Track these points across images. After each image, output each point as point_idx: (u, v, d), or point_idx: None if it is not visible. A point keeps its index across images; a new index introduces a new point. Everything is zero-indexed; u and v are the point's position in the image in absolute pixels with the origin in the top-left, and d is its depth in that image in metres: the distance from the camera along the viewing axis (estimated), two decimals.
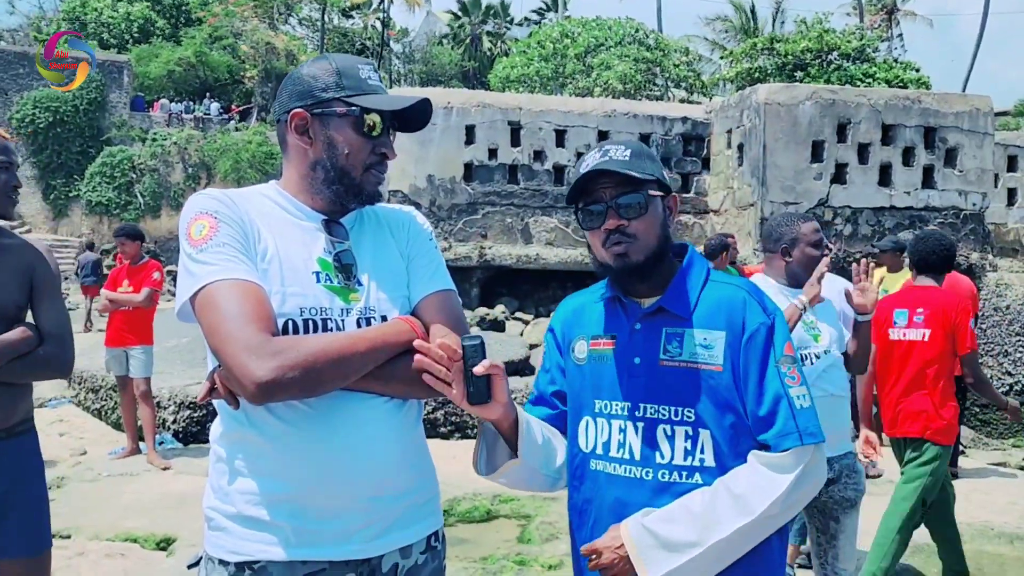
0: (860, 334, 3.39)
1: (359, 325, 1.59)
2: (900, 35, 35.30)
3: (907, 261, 7.63)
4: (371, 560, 1.58)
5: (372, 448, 1.57)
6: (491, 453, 1.77)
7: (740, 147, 10.22)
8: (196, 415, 6.99)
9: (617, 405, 1.73)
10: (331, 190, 1.65)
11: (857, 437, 4.26)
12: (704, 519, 1.62)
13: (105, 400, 8.08)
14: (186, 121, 27.54)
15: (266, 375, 1.41)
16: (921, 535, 4.20)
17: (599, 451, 1.75)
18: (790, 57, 19.00)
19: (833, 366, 3.22)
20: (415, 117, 1.70)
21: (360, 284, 1.64)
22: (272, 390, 1.42)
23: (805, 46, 18.93)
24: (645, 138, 10.63)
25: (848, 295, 3.30)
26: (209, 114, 28.55)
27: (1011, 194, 12.12)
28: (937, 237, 4.31)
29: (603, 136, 10.50)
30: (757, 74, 19.06)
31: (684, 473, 1.67)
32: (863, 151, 9.89)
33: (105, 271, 13.23)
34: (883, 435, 4.48)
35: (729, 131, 10.51)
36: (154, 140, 25.74)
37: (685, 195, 10.88)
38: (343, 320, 1.58)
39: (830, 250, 3.39)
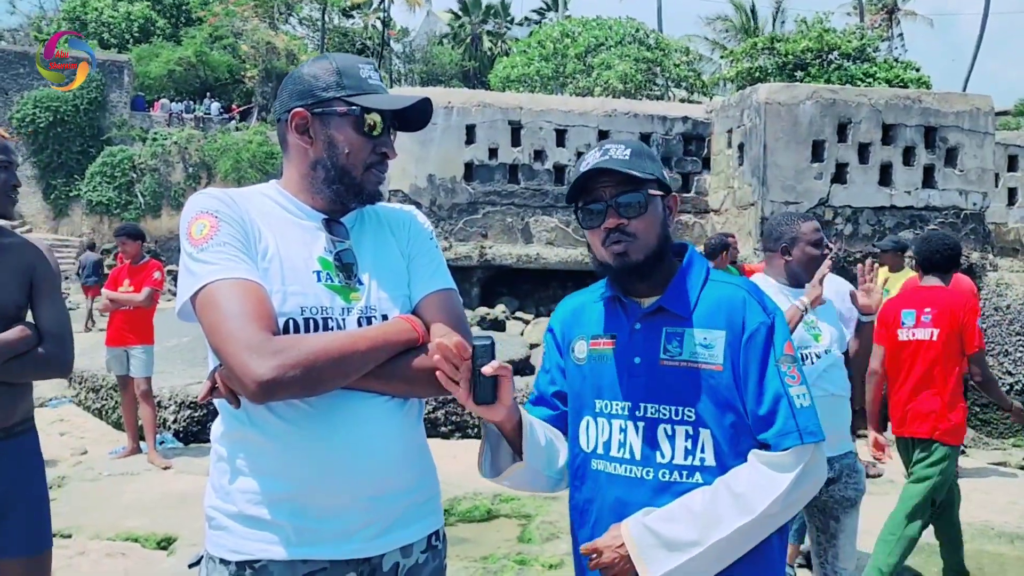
0: (863, 334, 3.40)
1: (360, 324, 1.59)
2: (900, 35, 35.29)
3: (908, 261, 7.68)
4: (372, 559, 1.58)
5: (373, 447, 1.57)
6: (495, 455, 1.77)
7: (740, 147, 10.22)
8: (197, 415, 7.00)
9: (617, 405, 1.73)
10: (331, 189, 1.65)
11: (858, 437, 4.27)
12: (705, 518, 1.62)
13: (106, 400, 8.08)
14: (186, 121, 27.54)
15: (267, 374, 1.41)
16: (923, 534, 4.20)
17: (600, 451, 1.75)
18: (790, 57, 18.99)
19: (833, 366, 3.22)
20: (416, 117, 1.70)
21: (361, 283, 1.64)
22: (273, 389, 1.42)
23: (805, 46, 18.92)
24: (645, 138, 10.63)
25: (853, 296, 3.31)
26: (209, 114, 28.55)
27: (1011, 194, 12.12)
28: (941, 237, 4.33)
29: (603, 136, 10.50)
30: (757, 74, 19.05)
31: (684, 472, 1.68)
32: (863, 151, 9.89)
33: (106, 271, 13.23)
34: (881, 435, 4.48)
35: (729, 131, 10.51)
36: (154, 140, 25.74)
37: (685, 195, 10.88)
38: (344, 319, 1.58)
39: (830, 249, 3.39)
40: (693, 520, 1.62)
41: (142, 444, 6.54)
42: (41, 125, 25.44)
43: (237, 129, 26.95)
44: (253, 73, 29.70)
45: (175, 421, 7.00)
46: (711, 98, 20.61)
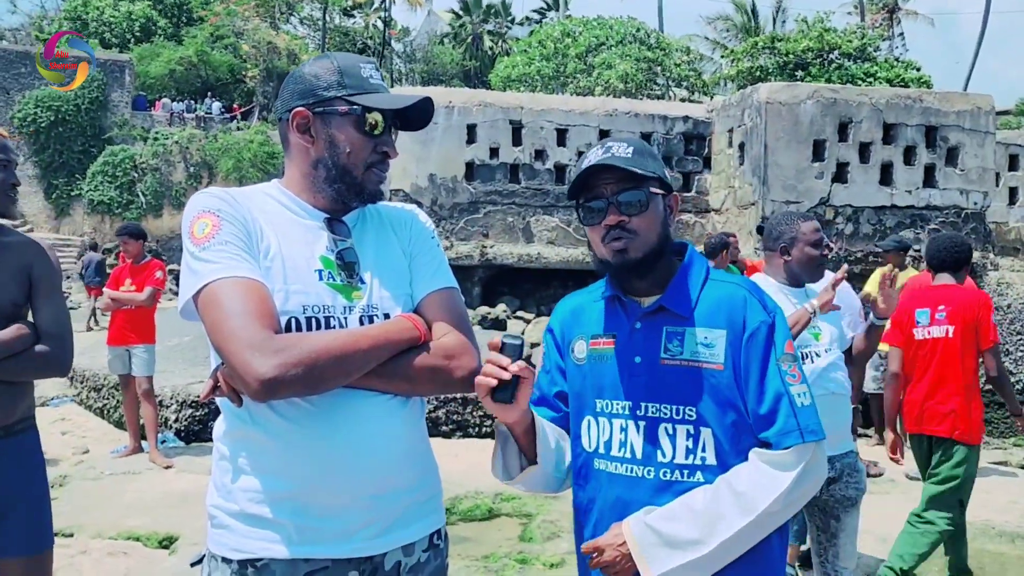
0: (872, 336, 3.41)
1: (362, 323, 1.59)
2: (901, 34, 35.26)
3: (909, 260, 7.71)
4: (374, 558, 1.58)
5: (375, 446, 1.57)
6: (504, 457, 1.78)
7: (741, 146, 10.22)
8: (198, 414, 7.00)
9: (618, 404, 1.74)
10: (333, 188, 1.65)
11: (856, 436, 4.28)
12: (706, 516, 1.62)
13: (107, 399, 8.09)
14: (188, 120, 27.56)
15: (269, 372, 1.41)
16: None
17: (601, 450, 1.76)
18: (791, 56, 18.97)
19: (834, 364, 3.22)
20: (417, 116, 1.70)
21: (363, 282, 1.64)
22: (275, 387, 1.42)
23: (806, 45, 18.89)
24: (646, 137, 10.62)
25: (874, 302, 3.33)
26: (211, 113, 28.57)
27: (1012, 193, 12.11)
28: (948, 236, 4.41)
29: (604, 135, 10.49)
30: (758, 73, 19.02)
31: (686, 471, 1.68)
32: (864, 150, 9.88)
33: (108, 270, 13.25)
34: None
35: (730, 130, 10.51)
36: (156, 139, 25.75)
37: (686, 194, 10.88)
38: (346, 318, 1.58)
39: (830, 249, 3.40)
40: (694, 519, 1.63)
41: (144, 443, 6.55)
42: (42, 125, 25.47)
43: (238, 129, 26.97)
44: (254, 73, 29.71)
45: (177, 420, 7.01)
46: (712, 97, 20.60)
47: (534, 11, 43.56)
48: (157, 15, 31.81)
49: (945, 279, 4.23)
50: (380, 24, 39.30)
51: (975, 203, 10.14)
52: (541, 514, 5.11)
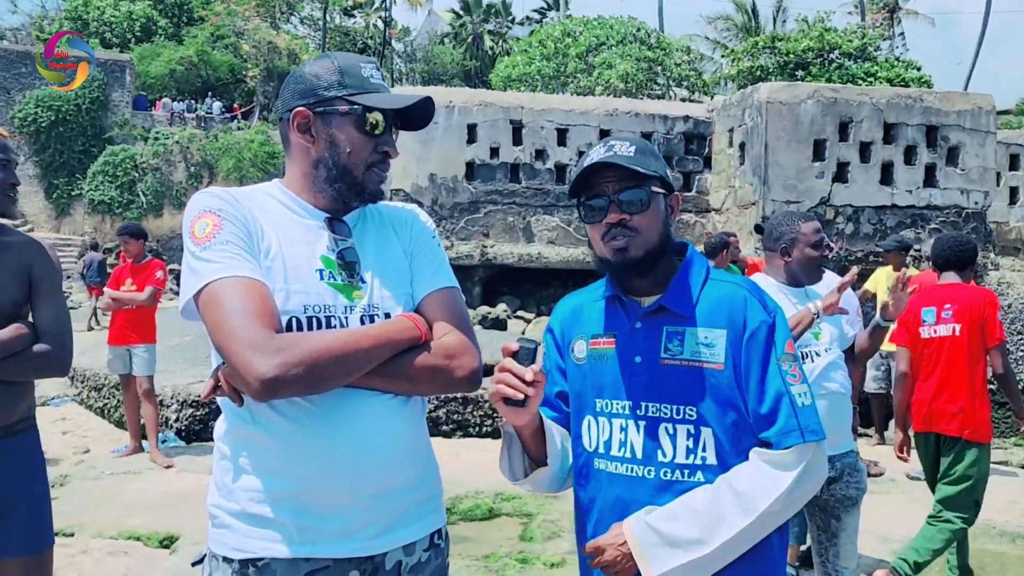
0: (876, 336, 3.43)
1: (363, 322, 1.59)
2: (902, 34, 35.24)
3: (909, 260, 7.73)
4: (374, 557, 1.59)
5: (375, 445, 1.57)
6: (511, 458, 1.78)
7: (742, 146, 10.22)
8: (199, 413, 7.00)
9: (618, 404, 1.73)
10: (333, 188, 1.65)
11: (857, 436, 4.29)
12: (707, 516, 1.62)
13: (108, 398, 8.09)
14: (188, 120, 27.58)
15: (270, 372, 1.41)
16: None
17: (600, 450, 1.76)
18: (792, 56, 18.97)
19: (834, 364, 3.22)
20: (417, 116, 1.70)
21: (363, 281, 1.64)
22: (276, 387, 1.42)
23: (807, 45, 18.89)
24: (647, 137, 10.62)
25: (884, 306, 3.35)
26: (211, 113, 28.58)
27: (1013, 193, 12.11)
28: (953, 235, 4.46)
29: (605, 135, 10.49)
30: (759, 73, 19.02)
31: (686, 471, 1.68)
32: (865, 150, 9.88)
33: (109, 270, 13.26)
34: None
35: (731, 130, 10.51)
36: (156, 139, 25.77)
37: (687, 194, 10.89)
38: (347, 317, 1.59)
39: (830, 250, 3.40)
40: (695, 518, 1.63)
41: (144, 443, 6.55)
42: (43, 124, 25.48)
43: (239, 128, 26.99)
44: (254, 72, 29.72)
45: (177, 420, 7.01)
46: (712, 97, 20.61)
47: (534, 11, 43.59)
48: (158, 15, 31.83)
49: (951, 278, 4.24)
50: (380, 24, 39.31)
51: (976, 203, 10.14)
52: (542, 514, 5.11)
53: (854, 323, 3.50)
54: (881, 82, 17.91)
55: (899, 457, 4.31)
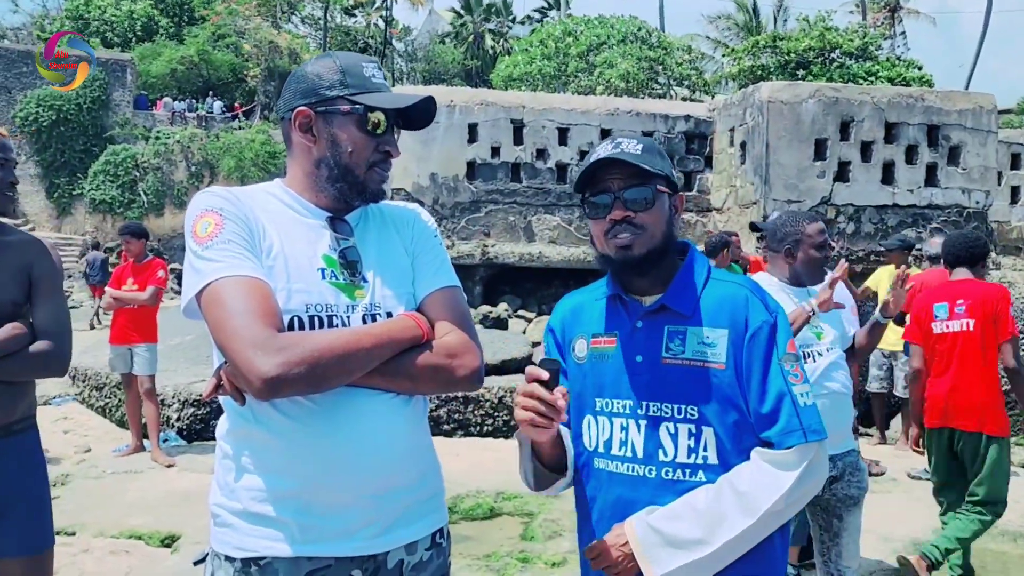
0: (875, 334, 3.44)
1: (364, 321, 1.59)
2: (903, 33, 35.22)
3: (911, 259, 7.72)
4: (376, 556, 1.59)
5: (377, 444, 1.57)
6: (525, 466, 1.80)
7: (743, 145, 10.21)
8: (200, 413, 7.01)
9: (619, 403, 1.73)
10: (335, 188, 1.65)
11: (858, 435, 4.29)
12: (708, 516, 1.62)
13: (109, 397, 8.09)
14: (189, 119, 27.60)
15: (272, 371, 1.41)
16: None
17: (601, 449, 1.76)
18: (793, 55, 18.96)
19: (835, 364, 3.22)
20: (419, 115, 1.71)
21: (365, 281, 1.64)
22: (278, 386, 1.43)
23: (808, 44, 18.89)
24: (648, 136, 10.59)
25: (885, 303, 3.35)
26: (212, 112, 28.59)
27: (1014, 192, 12.10)
28: (962, 232, 4.50)
29: (606, 134, 10.49)
30: (760, 72, 19.02)
31: (687, 471, 1.67)
32: (866, 149, 9.87)
33: (111, 269, 13.27)
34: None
35: (732, 129, 10.50)
36: (157, 138, 25.79)
37: (688, 193, 10.87)
38: (348, 316, 1.59)
39: (833, 250, 3.39)
40: (697, 518, 1.63)
41: (146, 442, 6.55)
42: (44, 124, 25.50)
43: (240, 128, 27.01)
44: (256, 72, 29.74)
45: (179, 419, 7.01)
46: (713, 96, 20.62)
47: (535, 10, 43.55)
48: (159, 14, 31.85)
49: (963, 274, 4.25)
50: (381, 23, 39.31)
51: (977, 202, 10.13)
52: (543, 513, 5.11)
53: (851, 320, 3.50)
54: (882, 81, 17.91)
55: (915, 450, 4.34)
